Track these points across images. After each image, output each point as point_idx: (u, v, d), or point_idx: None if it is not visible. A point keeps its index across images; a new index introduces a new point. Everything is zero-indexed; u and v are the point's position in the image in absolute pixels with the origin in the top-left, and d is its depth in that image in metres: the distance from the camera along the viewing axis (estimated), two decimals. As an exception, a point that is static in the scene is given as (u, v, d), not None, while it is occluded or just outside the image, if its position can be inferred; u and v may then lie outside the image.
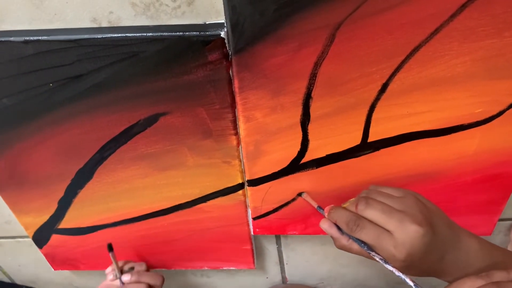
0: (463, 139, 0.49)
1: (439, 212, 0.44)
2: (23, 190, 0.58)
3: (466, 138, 0.49)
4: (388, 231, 0.41)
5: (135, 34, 0.42)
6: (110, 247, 0.59)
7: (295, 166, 0.53)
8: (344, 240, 0.46)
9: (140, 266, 0.64)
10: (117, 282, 0.61)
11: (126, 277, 0.60)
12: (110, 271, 0.63)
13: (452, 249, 0.42)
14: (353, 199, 0.48)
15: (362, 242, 0.43)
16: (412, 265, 0.41)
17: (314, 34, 0.41)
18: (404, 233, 0.40)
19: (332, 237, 0.48)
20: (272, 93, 0.46)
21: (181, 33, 0.41)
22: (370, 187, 0.48)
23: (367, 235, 0.42)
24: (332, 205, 0.49)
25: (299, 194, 0.56)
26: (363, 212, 0.43)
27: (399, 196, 0.44)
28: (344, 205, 0.47)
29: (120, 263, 0.64)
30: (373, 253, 0.43)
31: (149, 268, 0.66)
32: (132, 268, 0.63)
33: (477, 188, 0.54)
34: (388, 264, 0.42)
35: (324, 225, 0.47)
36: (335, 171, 0.53)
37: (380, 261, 0.42)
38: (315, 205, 0.54)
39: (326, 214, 0.48)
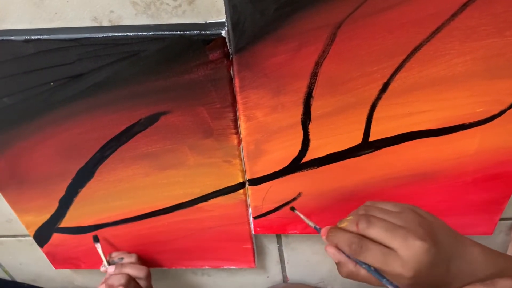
0: (464, 139, 0.49)
1: (440, 223, 0.43)
2: (24, 189, 0.58)
3: (467, 138, 0.49)
4: (392, 249, 0.40)
5: (136, 33, 0.42)
6: (96, 239, 0.59)
7: (296, 165, 0.53)
8: (351, 265, 0.43)
9: (130, 258, 0.64)
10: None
11: (111, 269, 0.61)
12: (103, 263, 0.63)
13: (456, 260, 0.41)
14: (350, 217, 0.45)
15: (370, 265, 0.41)
16: (420, 281, 0.40)
17: (314, 33, 0.41)
18: (409, 250, 0.39)
19: (336, 263, 0.45)
20: (273, 92, 0.46)
21: (181, 32, 0.41)
22: (366, 203, 0.46)
23: (372, 256, 0.40)
24: (329, 226, 0.46)
25: (292, 209, 0.56)
26: (366, 231, 0.41)
27: (398, 211, 0.42)
28: (342, 225, 0.44)
29: (113, 254, 0.65)
30: (384, 280, 0.41)
31: (142, 259, 0.66)
32: (121, 258, 0.64)
33: (478, 187, 0.54)
34: None
35: (331, 249, 0.44)
36: (336, 170, 0.53)
37: (390, 287, 0.41)
38: (312, 225, 0.51)
39: (324, 238, 0.45)
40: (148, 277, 0.62)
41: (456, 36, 0.40)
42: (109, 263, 0.63)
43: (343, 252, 0.43)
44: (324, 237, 0.46)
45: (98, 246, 0.62)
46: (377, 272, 0.41)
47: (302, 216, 0.53)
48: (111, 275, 0.60)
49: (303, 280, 0.76)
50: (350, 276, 0.44)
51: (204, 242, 0.64)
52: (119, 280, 0.57)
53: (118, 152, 0.53)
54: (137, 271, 0.60)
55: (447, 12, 0.39)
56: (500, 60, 0.42)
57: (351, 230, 0.43)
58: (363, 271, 0.42)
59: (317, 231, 0.49)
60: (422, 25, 0.40)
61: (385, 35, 0.41)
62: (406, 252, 0.39)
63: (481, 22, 0.39)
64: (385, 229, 0.40)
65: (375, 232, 0.41)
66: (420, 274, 0.39)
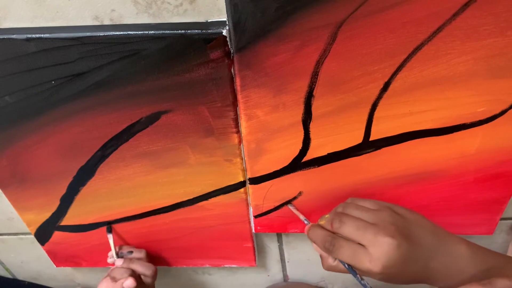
0: (465, 138, 0.49)
1: (420, 220, 0.44)
2: (25, 187, 0.58)
3: (468, 137, 0.48)
4: (363, 246, 0.41)
5: (137, 32, 0.42)
6: (109, 229, 0.59)
7: (297, 164, 0.53)
8: (330, 260, 0.46)
9: (139, 253, 0.64)
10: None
11: (119, 262, 0.61)
12: (110, 255, 0.63)
13: (438, 256, 0.42)
14: (328, 215, 0.48)
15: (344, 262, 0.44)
16: (393, 276, 0.41)
17: (316, 32, 0.41)
18: (377, 247, 0.40)
19: (320, 256, 0.48)
20: (274, 92, 0.46)
21: (183, 31, 0.41)
22: (347, 200, 0.48)
23: (343, 254, 0.43)
24: (311, 224, 0.49)
25: (287, 203, 0.58)
26: (338, 230, 0.44)
27: (374, 209, 0.44)
28: (321, 222, 0.47)
29: (123, 247, 0.65)
30: (356, 276, 0.43)
31: (150, 256, 0.66)
32: (130, 252, 0.63)
33: (479, 187, 0.54)
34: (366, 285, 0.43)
35: (314, 245, 0.48)
36: (337, 169, 0.53)
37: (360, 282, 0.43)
38: (303, 218, 0.54)
39: (306, 234, 0.48)
40: (154, 275, 0.62)
41: (457, 36, 0.40)
42: (118, 256, 0.62)
43: None
44: (306, 233, 0.49)
45: (110, 237, 0.61)
46: (350, 267, 0.43)
47: (296, 211, 0.56)
48: (116, 267, 0.60)
49: (303, 279, 0.76)
50: (330, 269, 0.47)
51: (205, 240, 0.65)
52: (122, 274, 0.57)
53: (119, 151, 0.53)
54: (145, 269, 0.60)
55: (448, 11, 0.39)
56: (501, 59, 0.42)
57: (327, 228, 0.46)
58: (341, 266, 0.45)
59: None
60: (423, 24, 0.40)
61: (386, 34, 0.41)
62: (375, 249, 0.40)
63: (482, 21, 0.39)
64: (356, 228, 0.42)
65: (347, 230, 0.43)
66: (390, 270, 0.40)
